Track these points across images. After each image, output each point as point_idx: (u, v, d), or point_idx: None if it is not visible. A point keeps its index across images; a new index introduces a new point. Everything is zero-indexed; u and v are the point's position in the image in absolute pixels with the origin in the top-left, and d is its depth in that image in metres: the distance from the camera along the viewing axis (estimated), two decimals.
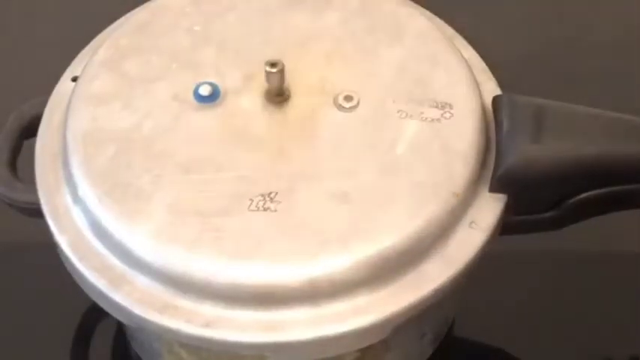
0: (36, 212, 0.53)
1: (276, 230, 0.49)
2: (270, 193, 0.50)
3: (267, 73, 0.52)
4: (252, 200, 0.50)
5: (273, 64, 0.52)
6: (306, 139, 0.52)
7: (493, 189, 0.52)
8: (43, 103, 0.56)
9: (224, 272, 0.48)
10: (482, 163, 0.53)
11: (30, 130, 0.56)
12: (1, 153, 0.56)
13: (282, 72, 0.52)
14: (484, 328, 0.64)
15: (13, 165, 0.55)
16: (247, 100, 0.54)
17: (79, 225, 0.51)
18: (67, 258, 0.51)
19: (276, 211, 0.49)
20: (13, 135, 0.56)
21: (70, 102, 0.55)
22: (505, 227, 0.53)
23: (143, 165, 0.51)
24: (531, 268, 0.65)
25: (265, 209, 0.50)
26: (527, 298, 0.64)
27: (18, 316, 0.65)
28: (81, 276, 0.51)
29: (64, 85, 0.57)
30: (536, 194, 0.53)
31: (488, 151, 0.53)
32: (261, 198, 0.50)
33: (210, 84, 0.54)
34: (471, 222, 0.51)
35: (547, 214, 0.54)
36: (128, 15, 0.59)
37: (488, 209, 0.52)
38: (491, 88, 0.56)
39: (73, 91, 0.55)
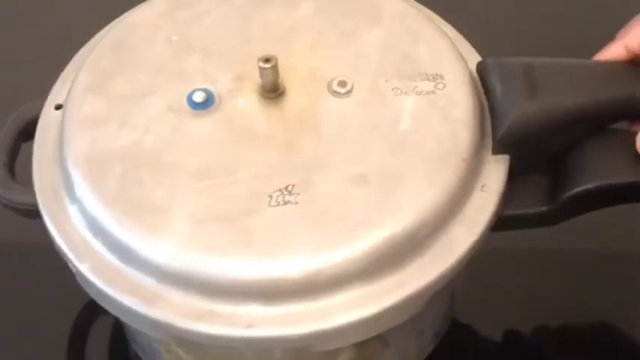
0: (32, 213, 0.53)
1: (302, 222, 0.49)
2: (287, 186, 0.50)
3: (261, 69, 0.53)
4: (271, 197, 0.50)
5: (266, 60, 0.52)
6: (309, 129, 0.53)
7: (496, 151, 0.53)
8: (41, 105, 0.56)
9: (260, 271, 0.48)
10: (481, 129, 0.54)
11: (28, 132, 0.56)
12: None
13: (276, 67, 0.52)
14: (484, 326, 0.64)
15: (10, 167, 0.56)
16: (243, 101, 0.54)
17: (99, 250, 0.51)
18: (91, 283, 0.51)
19: (297, 203, 0.50)
20: (11, 137, 0.56)
21: (62, 131, 0.54)
22: (501, 223, 0.53)
23: (154, 179, 0.51)
24: (532, 267, 0.66)
25: (286, 203, 0.50)
26: (527, 297, 0.65)
27: (16, 317, 0.65)
28: (109, 299, 0.50)
29: (48, 114, 0.56)
30: (537, 148, 0.54)
31: (483, 117, 0.54)
32: (280, 193, 0.50)
33: (204, 90, 0.54)
34: (482, 185, 0.52)
35: (543, 209, 0.54)
36: (100, 34, 0.59)
37: (496, 171, 0.53)
38: (473, 58, 0.57)
39: (63, 119, 0.54)
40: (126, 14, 0.59)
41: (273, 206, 0.50)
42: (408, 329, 0.52)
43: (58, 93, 0.57)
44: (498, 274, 0.64)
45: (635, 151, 0.53)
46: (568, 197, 0.53)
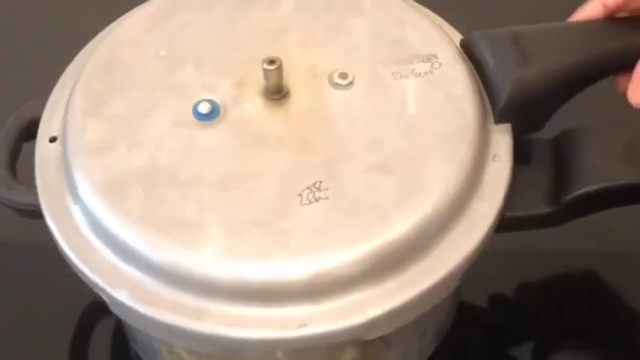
0: (35, 214, 0.53)
1: (337, 215, 0.50)
2: (315, 183, 0.51)
3: (266, 71, 0.53)
4: (301, 195, 0.50)
5: (271, 62, 0.53)
6: (321, 125, 0.53)
7: (498, 120, 0.55)
8: (42, 105, 0.56)
9: (305, 270, 0.48)
10: (482, 102, 0.55)
11: (29, 132, 0.56)
12: (0, 154, 0.55)
13: (280, 68, 0.53)
14: (485, 327, 0.65)
15: (12, 166, 0.55)
16: (249, 106, 0.54)
17: (132, 274, 0.50)
18: (131, 310, 0.50)
19: (327, 198, 0.50)
20: (12, 137, 0.56)
21: (68, 162, 0.53)
22: (504, 225, 0.53)
23: (178, 196, 0.50)
24: (533, 267, 0.66)
25: (317, 199, 0.50)
26: (528, 297, 0.65)
27: (17, 317, 0.65)
28: (153, 322, 0.49)
29: (42, 147, 0.55)
30: (535, 111, 0.56)
31: (480, 90, 0.56)
32: (309, 190, 0.50)
33: (208, 101, 0.53)
34: (494, 155, 0.54)
35: (545, 211, 0.55)
36: (79, 57, 0.58)
37: (502, 140, 0.55)
38: (456, 36, 0.58)
39: (66, 150, 0.53)
40: (105, 32, 0.59)
41: (305, 204, 0.50)
42: (411, 329, 0.53)
43: (48, 121, 0.56)
44: (499, 274, 0.65)
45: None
46: (571, 199, 0.54)
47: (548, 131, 0.57)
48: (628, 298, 0.65)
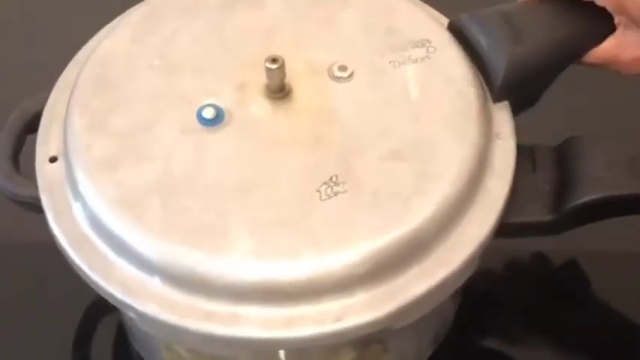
0: (35, 207, 0.53)
1: (359, 207, 0.50)
2: (332, 177, 0.51)
3: (268, 70, 0.53)
4: (319, 192, 0.50)
5: (273, 60, 0.52)
6: (328, 120, 0.53)
7: (497, 99, 0.56)
8: (45, 98, 0.56)
9: (338, 265, 0.48)
10: (480, 82, 0.56)
11: (33, 125, 0.56)
12: (4, 147, 0.55)
13: (282, 67, 0.53)
14: (483, 330, 0.64)
15: (15, 159, 0.55)
16: (254, 107, 0.54)
17: (163, 289, 0.49)
18: (161, 322, 0.49)
19: (346, 191, 0.50)
20: (16, 130, 0.56)
21: (75, 181, 0.52)
22: (504, 231, 0.53)
23: (198, 204, 0.50)
24: (532, 269, 0.66)
25: (336, 194, 0.50)
26: (527, 299, 0.65)
27: (19, 316, 0.65)
28: (186, 332, 0.49)
29: (43, 168, 0.54)
30: (531, 87, 0.57)
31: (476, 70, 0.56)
32: (327, 186, 0.50)
33: (211, 106, 0.53)
34: (497, 133, 0.55)
35: (547, 218, 0.55)
36: (64, 76, 0.57)
37: (502, 118, 0.55)
38: (442, 20, 0.59)
39: (72, 170, 0.52)
40: (88, 48, 0.58)
41: (325, 200, 0.50)
42: (408, 333, 0.53)
43: (44, 141, 0.55)
44: (498, 275, 0.65)
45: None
46: (573, 207, 0.54)
47: (553, 139, 0.57)
48: (627, 299, 0.65)
